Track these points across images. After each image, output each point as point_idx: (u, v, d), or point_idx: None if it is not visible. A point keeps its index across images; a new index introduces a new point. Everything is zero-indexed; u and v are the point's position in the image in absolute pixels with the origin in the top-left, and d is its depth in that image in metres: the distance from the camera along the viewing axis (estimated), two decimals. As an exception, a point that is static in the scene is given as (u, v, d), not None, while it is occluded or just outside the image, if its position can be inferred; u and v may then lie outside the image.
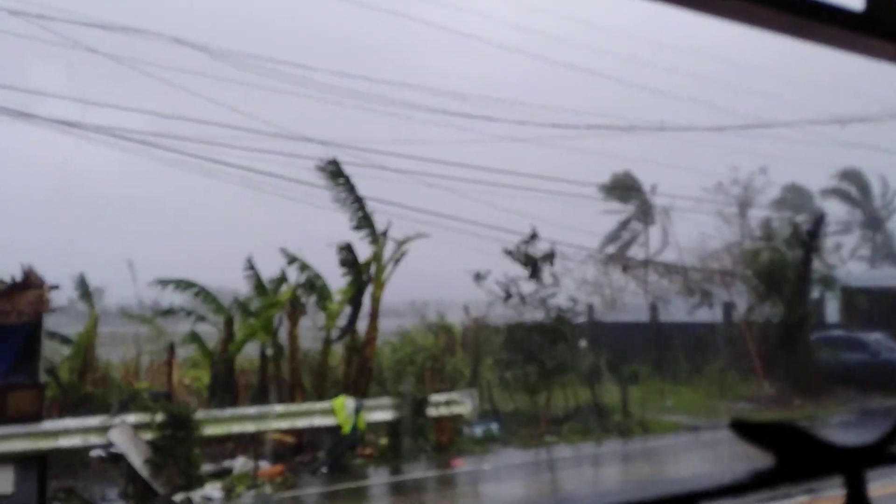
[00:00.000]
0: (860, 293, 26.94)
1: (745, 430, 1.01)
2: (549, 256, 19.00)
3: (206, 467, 14.11)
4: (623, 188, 51.17)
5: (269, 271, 17.48)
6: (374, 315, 17.49)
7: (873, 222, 57.04)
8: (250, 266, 17.45)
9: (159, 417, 13.43)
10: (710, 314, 25.81)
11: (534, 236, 18.93)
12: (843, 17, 1.29)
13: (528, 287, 18.97)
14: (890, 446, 1.08)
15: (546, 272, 18.95)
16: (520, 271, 18.95)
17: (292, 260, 17.26)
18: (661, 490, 0.94)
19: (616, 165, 51.10)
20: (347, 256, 17.35)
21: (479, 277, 18.81)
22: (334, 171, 17.37)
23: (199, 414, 14.03)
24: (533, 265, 18.76)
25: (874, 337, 24.68)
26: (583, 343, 19.44)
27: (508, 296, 19.05)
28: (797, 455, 1.01)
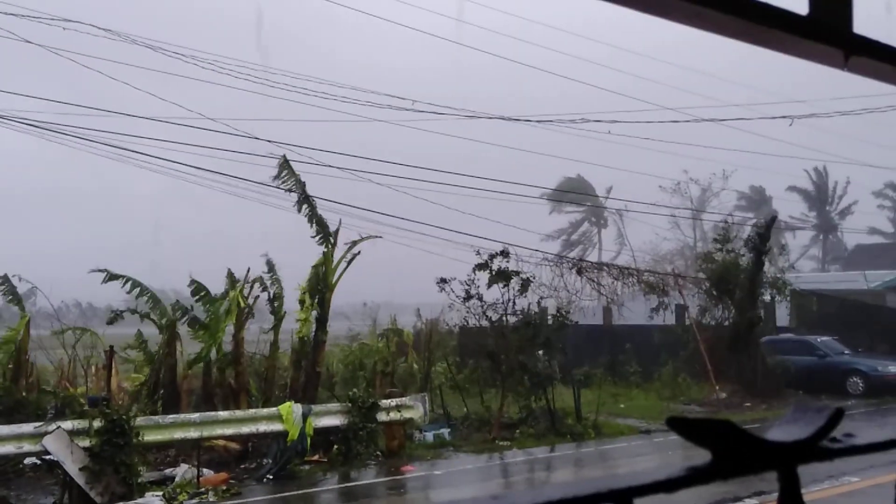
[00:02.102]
0: (809, 296, 27.32)
1: (683, 426, 1.02)
2: (526, 282, 18.90)
3: (147, 475, 13.73)
4: (575, 191, 51.52)
5: (208, 267, 16.97)
6: (323, 318, 17.14)
7: (826, 225, 58.20)
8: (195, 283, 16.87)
9: (97, 423, 12.95)
10: (662, 316, 25.93)
11: (504, 253, 18.81)
12: (789, 21, 1.32)
13: (490, 291, 18.82)
14: (821, 442, 1.12)
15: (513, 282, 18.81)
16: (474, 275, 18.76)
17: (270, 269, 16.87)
18: (598, 486, 0.93)
19: (569, 167, 51.48)
20: (319, 267, 17.01)
21: (443, 282, 18.59)
22: (284, 169, 17.00)
23: (140, 420, 13.56)
24: (504, 279, 18.61)
25: (822, 340, 25.04)
26: (540, 352, 19.24)
27: (468, 297, 18.84)
28: (732, 451, 1.03)
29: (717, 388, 22.68)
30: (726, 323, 24.34)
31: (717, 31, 1.32)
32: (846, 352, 24.78)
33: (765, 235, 24.47)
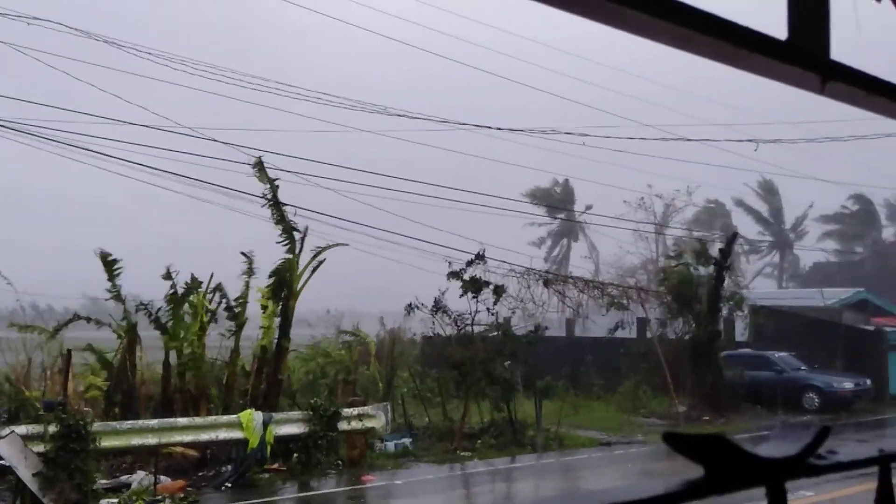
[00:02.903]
0: (768, 312, 27.74)
1: (678, 441, 1.04)
2: (499, 289, 18.96)
3: (103, 482, 13.52)
4: (554, 199, 52.03)
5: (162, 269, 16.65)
6: (286, 325, 17.01)
7: (783, 243, 59.16)
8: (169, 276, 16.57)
9: (52, 428, 12.69)
10: (627, 329, 26.15)
11: (479, 257, 18.80)
12: (768, 46, 1.34)
13: (456, 300, 18.87)
14: (808, 458, 1.15)
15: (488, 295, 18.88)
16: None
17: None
18: (594, 500, 0.95)
19: (538, 178, 51.91)
20: (281, 270, 16.87)
21: (412, 308, 18.73)
22: (258, 172, 16.86)
23: (97, 425, 13.32)
24: (475, 288, 18.62)
25: (779, 355, 25.42)
26: (507, 363, 19.27)
27: (437, 308, 18.85)
28: (725, 466, 1.05)
29: (677, 401, 22.91)
30: (687, 337, 24.63)
31: (698, 53, 1.34)
32: (803, 368, 25.18)
33: (726, 251, 24.82)
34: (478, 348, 18.79)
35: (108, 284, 16.42)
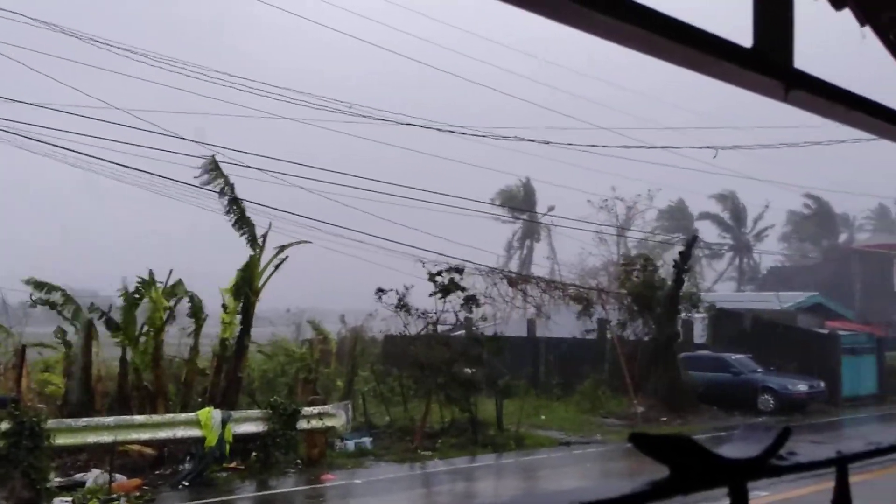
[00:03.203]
0: (726, 315, 28.14)
1: (643, 442, 1.04)
2: (473, 300, 19.18)
3: (57, 480, 13.33)
4: (518, 200, 52.39)
5: (131, 268, 16.47)
6: (247, 323, 16.86)
7: (742, 247, 60.05)
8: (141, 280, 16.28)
9: (5, 425, 12.48)
10: (586, 328, 26.34)
11: (458, 270, 18.89)
12: (733, 52, 1.35)
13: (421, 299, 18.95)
14: (770, 459, 1.17)
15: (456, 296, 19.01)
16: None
17: None
18: (559, 500, 0.95)
19: (501, 180, 52.18)
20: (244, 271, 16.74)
21: (381, 292, 18.67)
22: (212, 170, 16.71)
23: (51, 422, 13.12)
24: (450, 290, 18.74)
25: (736, 357, 25.78)
26: (468, 370, 19.32)
27: (401, 306, 18.83)
28: (689, 467, 1.06)
29: (636, 401, 23.14)
30: (646, 338, 24.88)
31: (664, 58, 1.36)
32: (759, 370, 25.55)
33: (686, 255, 25.10)
34: (442, 349, 18.83)
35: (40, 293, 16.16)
